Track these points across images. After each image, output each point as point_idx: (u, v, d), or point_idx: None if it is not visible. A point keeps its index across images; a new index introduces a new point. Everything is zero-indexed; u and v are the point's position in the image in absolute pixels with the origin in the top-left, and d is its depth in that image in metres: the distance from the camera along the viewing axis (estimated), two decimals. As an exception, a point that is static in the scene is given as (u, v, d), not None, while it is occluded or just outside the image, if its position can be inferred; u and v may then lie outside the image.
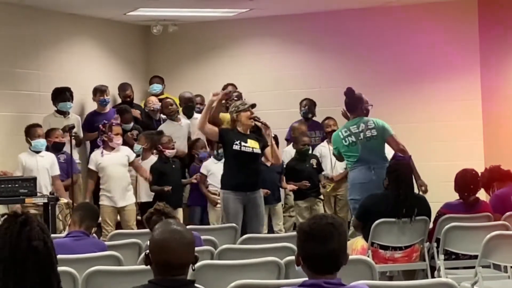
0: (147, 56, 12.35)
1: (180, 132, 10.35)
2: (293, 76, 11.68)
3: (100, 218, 9.58)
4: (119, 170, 9.50)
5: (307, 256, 3.34)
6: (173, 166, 9.68)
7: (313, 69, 11.65)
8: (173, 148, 9.68)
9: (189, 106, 10.74)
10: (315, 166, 10.01)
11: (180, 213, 9.60)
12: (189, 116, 10.69)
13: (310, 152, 10.11)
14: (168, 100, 10.72)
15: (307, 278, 3.38)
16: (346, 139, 8.07)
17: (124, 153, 9.58)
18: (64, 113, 9.96)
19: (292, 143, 10.31)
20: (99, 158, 9.52)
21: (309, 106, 10.80)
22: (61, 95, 9.89)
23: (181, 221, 9.33)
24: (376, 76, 11.00)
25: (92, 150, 10.08)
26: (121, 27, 11.84)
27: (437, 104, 11.07)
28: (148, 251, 3.33)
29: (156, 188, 9.52)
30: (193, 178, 9.88)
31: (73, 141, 9.72)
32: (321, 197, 10.09)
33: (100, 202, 9.42)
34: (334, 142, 8.32)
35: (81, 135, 10.23)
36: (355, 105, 8.22)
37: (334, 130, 10.33)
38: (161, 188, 9.43)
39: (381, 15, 11.25)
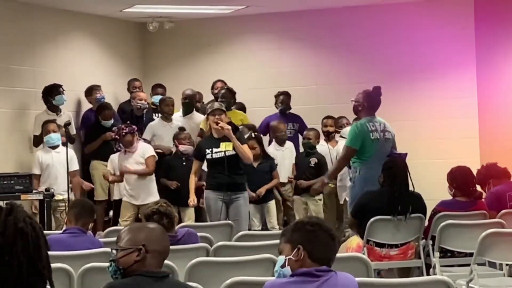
0: (143, 53, 12.33)
1: (170, 132, 10.09)
2: (289, 73, 11.68)
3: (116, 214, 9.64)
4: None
5: (318, 245, 3.45)
6: (184, 163, 9.58)
7: (309, 66, 11.65)
8: (187, 144, 9.68)
9: (187, 103, 10.49)
10: (312, 165, 9.84)
11: (190, 211, 9.49)
12: (187, 112, 10.56)
13: (313, 150, 9.99)
14: (171, 99, 10.51)
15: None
16: (373, 133, 7.80)
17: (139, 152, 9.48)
18: (56, 110, 9.90)
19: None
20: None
21: (286, 102, 10.74)
22: (55, 89, 9.84)
23: (192, 219, 9.36)
24: (372, 73, 10.99)
25: (83, 146, 10.26)
26: (117, 24, 11.82)
27: (433, 101, 11.08)
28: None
29: (164, 181, 9.62)
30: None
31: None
32: (319, 197, 9.90)
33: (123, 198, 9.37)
34: (361, 133, 7.80)
35: (74, 131, 10.18)
36: (378, 105, 8.00)
37: (330, 132, 10.32)
38: (171, 183, 9.55)
39: (377, 13, 11.26)
